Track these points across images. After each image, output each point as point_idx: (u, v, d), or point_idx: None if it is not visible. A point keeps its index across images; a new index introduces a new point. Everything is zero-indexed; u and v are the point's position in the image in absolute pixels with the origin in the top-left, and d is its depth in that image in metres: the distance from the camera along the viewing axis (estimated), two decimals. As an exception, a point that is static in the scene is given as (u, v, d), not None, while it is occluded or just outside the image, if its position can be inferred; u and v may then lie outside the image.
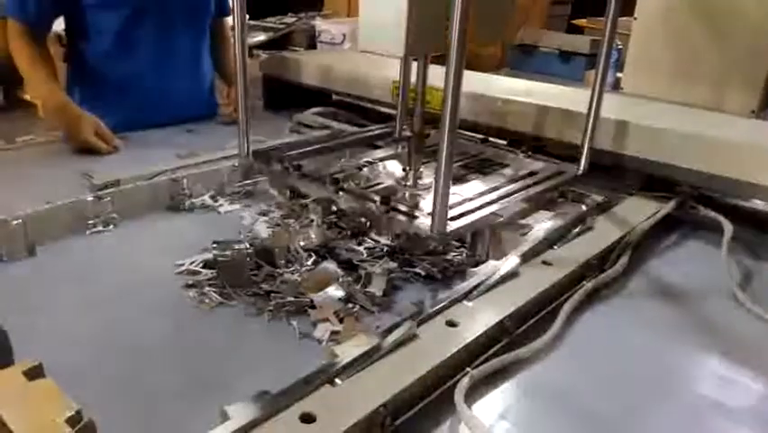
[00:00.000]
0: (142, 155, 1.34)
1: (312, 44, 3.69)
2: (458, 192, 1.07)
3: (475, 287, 0.82)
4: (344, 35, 3.14)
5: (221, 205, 1.17)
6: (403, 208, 1.00)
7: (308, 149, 1.25)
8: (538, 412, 0.70)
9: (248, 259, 0.93)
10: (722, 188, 1.15)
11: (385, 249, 1.02)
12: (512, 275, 0.86)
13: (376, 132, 1.42)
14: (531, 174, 1.21)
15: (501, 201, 1.05)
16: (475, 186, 1.15)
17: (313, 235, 1.03)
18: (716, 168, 1.12)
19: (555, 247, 0.96)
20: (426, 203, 0.99)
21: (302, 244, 1.00)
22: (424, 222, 0.94)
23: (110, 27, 1.57)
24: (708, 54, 2.03)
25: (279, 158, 1.17)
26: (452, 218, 0.95)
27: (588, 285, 0.89)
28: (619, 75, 2.42)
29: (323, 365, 0.67)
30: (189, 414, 0.66)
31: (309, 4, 4.61)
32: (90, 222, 1.02)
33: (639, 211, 1.10)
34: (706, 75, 2.06)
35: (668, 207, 1.11)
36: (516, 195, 1.09)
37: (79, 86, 1.68)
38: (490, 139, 1.43)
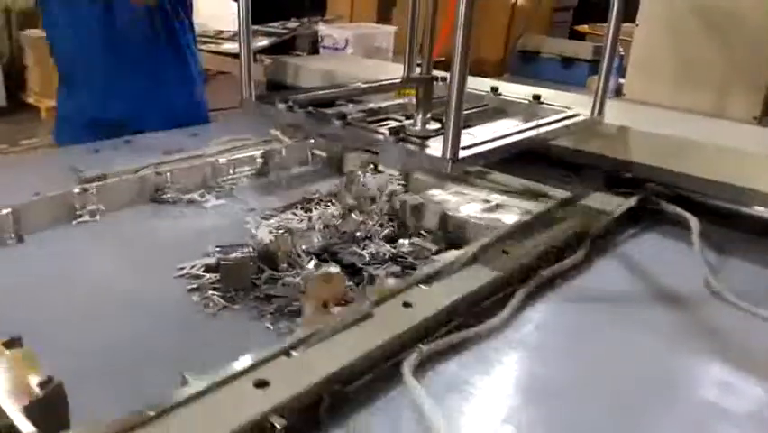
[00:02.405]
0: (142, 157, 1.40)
1: (315, 49, 3.75)
2: (470, 133, 1.07)
3: (434, 272, 0.89)
4: (347, 40, 3.19)
5: (207, 200, 1.24)
6: (414, 139, 1.01)
7: (315, 94, 1.27)
8: (485, 388, 0.76)
9: (251, 263, 0.96)
10: (723, 195, 1.19)
11: (388, 254, 1.05)
12: (470, 262, 0.92)
13: (384, 82, 1.41)
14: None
15: (513, 136, 1.07)
16: (487, 128, 1.16)
17: (315, 239, 1.07)
18: (718, 175, 1.16)
19: (515, 238, 1.01)
20: (436, 141, 0.98)
21: (304, 247, 1.04)
22: (435, 150, 0.95)
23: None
24: (710, 61, 2.08)
25: (284, 99, 1.19)
26: (465, 147, 0.95)
27: (543, 273, 0.95)
28: (621, 81, 2.47)
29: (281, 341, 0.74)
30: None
31: (312, 9, 4.70)
32: (77, 213, 1.10)
33: (601, 206, 1.16)
34: (708, 81, 2.11)
35: (629, 202, 1.17)
36: (528, 131, 1.11)
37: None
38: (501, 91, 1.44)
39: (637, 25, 2.31)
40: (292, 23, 4.12)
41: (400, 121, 1.25)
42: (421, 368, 0.76)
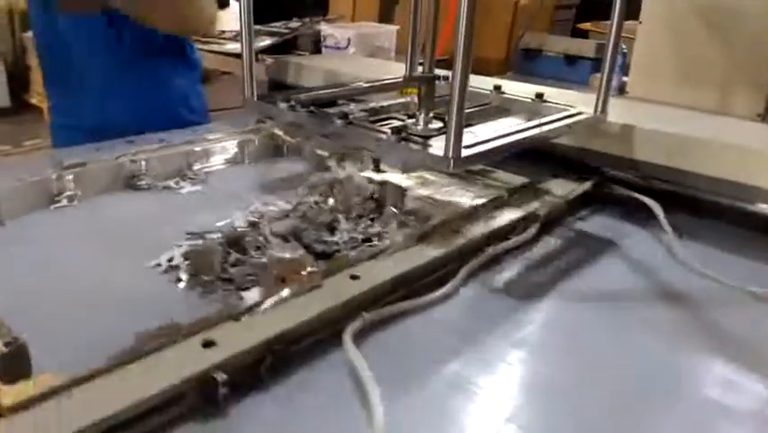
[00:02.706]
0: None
1: (317, 49, 3.80)
2: (472, 132, 1.08)
3: (385, 248, 0.95)
4: (349, 39, 3.23)
5: (182, 187, 1.30)
6: (416, 138, 1.03)
7: (317, 93, 1.30)
8: (422, 353, 0.82)
9: (219, 248, 1.00)
10: (727, 192, 1.20)
11: (361, 237, 1.08)
12: (420, 239, 0.98)
13: (386, 82, 1.44)
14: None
15: (516, 134, 1.08)
16: (489, 127, 1.19)
17: (284, 224, 1.10)
18: (722, 172, 1.17)
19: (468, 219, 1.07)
20: (438, 140, 0.99)
21: (273, 230, 1.07)
22: (437, 149, 0.97)
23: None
24: (713, 58, 2.12)
25: (286, 98, 1.21)
26: (467, 147, 0.97)
27: (490, 250, 1.01)
28: (625, 79, 2.51)
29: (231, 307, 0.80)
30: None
31: (314, 8, 4.76)
32: (56, 198, 1.17)
33: (555, 191, 1.21)
34: (711, 79, 2.14)
35: (584, 186, 1.23)
36: (532, 129, 1.12)
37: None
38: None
39: (641, 23, 2.34)
40: (294, 23, 4.18)
41: (403, 120, 1.28)
42: (363, 335, 0.82)
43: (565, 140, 1.32)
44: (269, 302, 0.81)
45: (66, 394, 0.65)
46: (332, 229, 1.10)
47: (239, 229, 1.07)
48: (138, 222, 1.16)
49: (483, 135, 1.03)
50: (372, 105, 1.38)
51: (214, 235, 1.04)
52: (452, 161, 0.93)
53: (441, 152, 0.94)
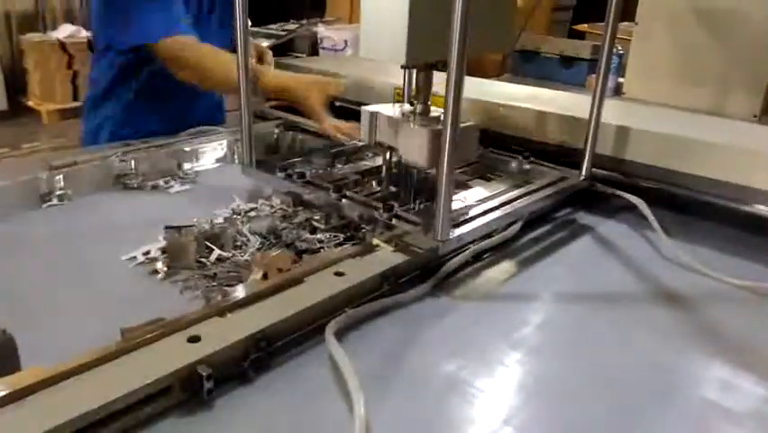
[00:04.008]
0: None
1: (314, 51, 3.85)
2: (459, 199, 1.14)
3: (370, 246, 0.98)
4: (346, 41, 3.26)
5: (171, 186, 1.33)
6: (407, 217, 1.07)
7: (312, 162, 1.35)
8: (403, 349, 0.85)
9: (195, 242, 1.03)
10: (724, 193, 1.22)
11: (343, 237, 1.11)
12: (402, 236, 1.02)
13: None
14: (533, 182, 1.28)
15: (504, 207, 1.12)
16: (477, 192, 1.22)
17: (263, 223, 1.12)
18: (719, 173, 1.20)
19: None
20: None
21: (251, 228, 1.10)
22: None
23: None
24: (709, 59, 2.12)
25: (282, 166, 1.25)
26: (456, 225, 1.02)
27: (473, 247, 1.04)
28: (621, 80, 2.54)
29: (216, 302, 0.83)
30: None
31: (311, 10, 4.79)
32: (47, 197, 1.20)
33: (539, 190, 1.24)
34: (708, 79, 2.15)
35: (569, 184, 1.26)
36: (518, 201, 1.16)
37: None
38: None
39: (636, 24, 2.36)
40: (291, 25, 4.22)
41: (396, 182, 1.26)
42: (345, 330, 0.85)
43: (556, 138, 1.36)
44: (251, 297, 0.83)
45: (54, 387, 0.67)
46: (313, 229, 1.13)
47: (217, 226, 1.10)
48: (124, 220, 1.19)
49: (471, 210, 1.09)
50: (365, 164, 1.39)
51: (193, 230, 1.06)
52: (441, 244, 0.98)
53: (431, 236, 0.98)
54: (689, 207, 1.26)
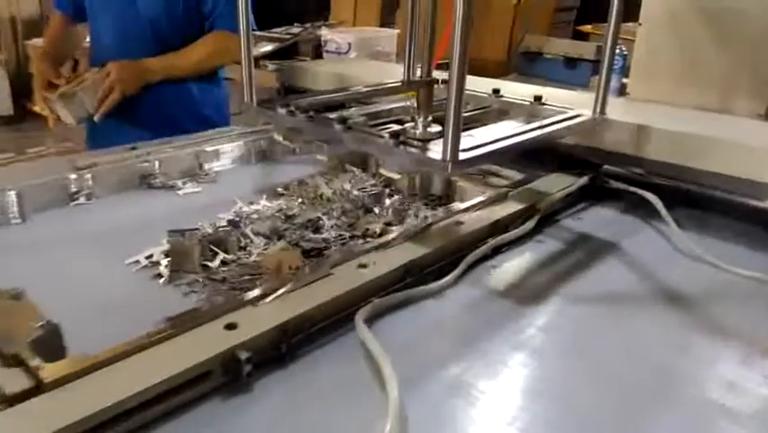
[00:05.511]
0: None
1: (318, 54, 3.87)
2: (471, 135, 1.10)
3: (391, 239, 1.02)
4: (350, 44, 3.29)
5: (191, 186, 1.37)
6: (414, 142, 1.05)
7: (316, 98, 1.34)
8: (429, 338, 0.90)
9: (198, 246, 1.03)
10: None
11: (348, 236, 1.13)
12: (423, 230, 1.06)
13: (385, 86, 1.47)
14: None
15: (515, 137, 1.11)
16: (488, 130, 1.20)
17: (266, 224, 1.14)
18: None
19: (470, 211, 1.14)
20: (436, 144, 1.01)
21: (254, 230, 1.11)
22: (435, 152, 0.99)
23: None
24: (713, 59, 2.12)
25: (285, 104, 1.24)
26: (465, 150, 0.99)
27: (491, 241, 1.08)
28: (625, 80, 2.56)
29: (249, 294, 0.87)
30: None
31: (315, 14, 4.83)
32: (74, 196, 1.25)
33: (553, 185, 1.28)
34: (712, 80, 2.15)
35: (580, 181, 1.30)
36: (530, 132, 1.15)
37: None
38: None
39: (640, 24, 2.38)
40: (295, 29, 4.24)
41: (402, 124, 1.32)
42: (373, 319, 0.90)
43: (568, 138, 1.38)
44: (283, 289, 0.88)
45: (101, 371, 0.72)
46: (316, 228, 1.15)
47: (220, 229, 1.11)
48: (143, 220, 1.21)
49: (482, 138, 1.07)
50: (371, 109, 1.44)
51: (196, 234, 1.07)
52: (449, 165, 0.96)
53: (439, 156, 0.97)
54: (702, 203, 1.30)
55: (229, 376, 0.77)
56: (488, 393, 0.78)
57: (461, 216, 1.12)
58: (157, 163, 1.36)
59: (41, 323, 0.77)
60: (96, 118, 1.74)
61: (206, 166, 1.45)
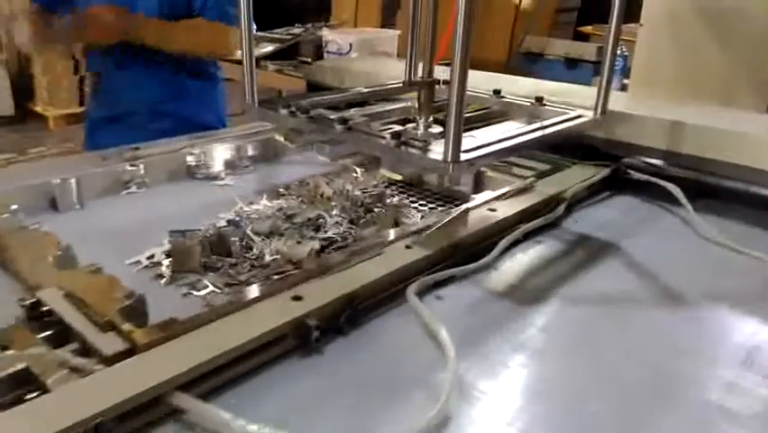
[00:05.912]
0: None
1: (319, 54, 3.93)
2: (472, 135, 1.12)
3: (432, 223, 1.11)
4: (351, 45, 3.34)
5: (226, 178, 1.45)
6: (415, 143, 1.06)
7: (317, 99, 1.35)
8: (469, 313, 0.98)
9: (200, 246, 1.05)
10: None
11: (349, 237, 1.17)
12: (461, 216, 1.15)
13: (387, 87, 1.51)
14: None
15: (516, 138, 1.14)
16: (489, 131, 1.24)
17: (266, 223, 1.16)
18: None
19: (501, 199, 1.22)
20: (437, 144, 1.02)
21: (253, 230, 1.13)
22: (437, 153, 1.00)
23: None
24: (715, 59, 2.11)
25: (286, 104, 1.25)
26: (466, 150, 1.00)
27: (523, 226, 1.17)
28: (626, 81, 2.61)
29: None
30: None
31: (316, 14, 4.89)
32: (127, 185, 1.34)
33: (578, 176, 1.37)
34: (713, 80, 2.15)
35: (604, 172, 1.39)
36: (531, 133, 1.18)
37: None
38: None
39: (641, 25, 2.42)
40: (296, 29, 4.29)
41: (403, 124, 1.37)
42: (422, 293, 0.98)
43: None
44: (342, 266, 0.97)
45: (188, 335, 0.80)
46: (317, 228, 1.18)
47: (221, 229, 1.14)
48: (143, 220, 1.24)
49: (483, 139, 1.11)
50: (372, 109, 1.49)
51: (197, 234, 1.11)
52: (450, 165, 0.98)
53: (440, 156, 0.98)
54: (720, 193, 1.38)
55: (299, 341, 0.85)
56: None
57: (494, 204, 1.20)
58: (203, 156, 1.45)
59: (127, 293, 0.86)
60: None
61: (244, 160, 1.53)
